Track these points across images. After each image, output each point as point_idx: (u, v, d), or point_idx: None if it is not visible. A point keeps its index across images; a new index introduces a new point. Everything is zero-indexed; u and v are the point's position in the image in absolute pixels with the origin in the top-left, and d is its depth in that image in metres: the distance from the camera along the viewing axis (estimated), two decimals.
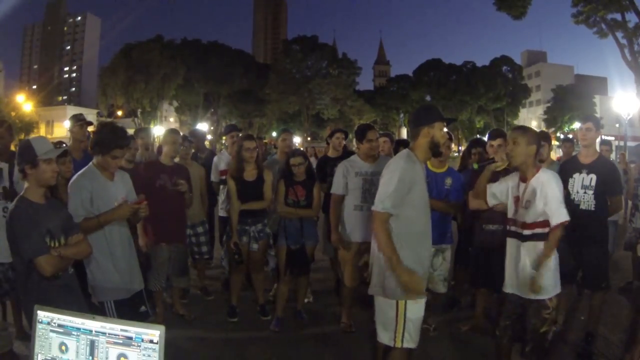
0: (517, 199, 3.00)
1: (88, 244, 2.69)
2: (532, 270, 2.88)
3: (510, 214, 3.06)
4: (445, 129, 2.86)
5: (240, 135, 5.15)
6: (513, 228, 3.03)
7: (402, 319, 2.63)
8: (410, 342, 2.65)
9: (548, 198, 2.83)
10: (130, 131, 5.11)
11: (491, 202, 3.19)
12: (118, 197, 3.04)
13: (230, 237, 4.36)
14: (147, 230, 3.92)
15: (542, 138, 3.57)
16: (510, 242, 3.05)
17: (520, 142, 2.93)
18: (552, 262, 2.89)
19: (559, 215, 2.81)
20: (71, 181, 3.00)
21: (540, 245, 2.88)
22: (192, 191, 4.37)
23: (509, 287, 3.04)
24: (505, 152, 3.26)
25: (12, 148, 3.96)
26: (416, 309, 2.66)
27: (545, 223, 2.86)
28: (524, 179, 2.98)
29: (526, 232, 2.91)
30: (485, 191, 3.17)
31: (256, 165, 4.34)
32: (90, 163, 3.08)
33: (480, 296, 4.24)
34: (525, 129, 3.10)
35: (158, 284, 4.08)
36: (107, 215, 2.92)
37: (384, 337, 2.70)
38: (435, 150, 2.76)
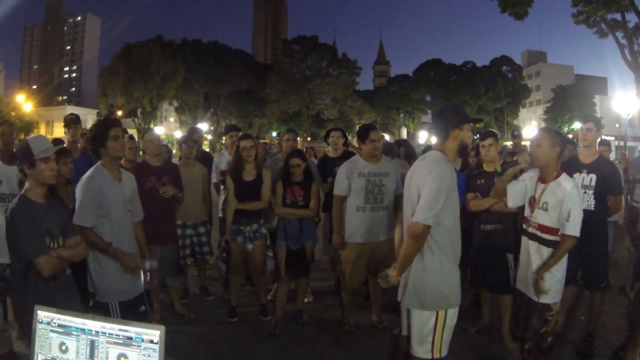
0: (532, 199, 2.99)
1: (85, 247, 2.69)
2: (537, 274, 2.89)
3: (526, 213, 3.05)
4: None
5: (240, 135, 5.14)
6: (530, 229, 3.00)
7: (441, 328, 2.54)
8: (445, 350, 2.59)
9: (571, 213, 2.79)
10: (131, 131, 5.10)
11: (511, 203, 3.14)
12: (125, 197, 3.07)
13: (222, 235, 4.37)
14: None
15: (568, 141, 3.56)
16: (525, 242, 3.03)
17: (543, 144, 2.91)
18: (562, 268, 2.90)
19: (575, 227, 2.79)
20: (79, 183, 2.97)
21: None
22: (182, 190, 4.37)
23: (521, 285, 3.07)
24: (529, 152, 3.25)
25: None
26: (454, 314, 2.62)
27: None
28: (543, 180, 2.96)
29: (546, 236, 2.90)
30: (504, 192, 3.12)
31: (255, 165, 4.33)
32: (98, 163, 3.06)
33: (484, 297, 4.21)
34: (549, 131, 3.07)
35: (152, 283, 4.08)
36: (113, 253, 2.92)
37: (420, 350, 2.57)
38: (463, 152, 2.73)
